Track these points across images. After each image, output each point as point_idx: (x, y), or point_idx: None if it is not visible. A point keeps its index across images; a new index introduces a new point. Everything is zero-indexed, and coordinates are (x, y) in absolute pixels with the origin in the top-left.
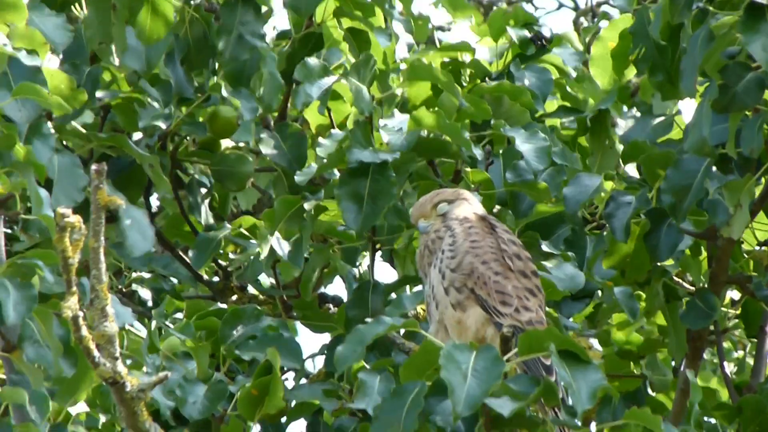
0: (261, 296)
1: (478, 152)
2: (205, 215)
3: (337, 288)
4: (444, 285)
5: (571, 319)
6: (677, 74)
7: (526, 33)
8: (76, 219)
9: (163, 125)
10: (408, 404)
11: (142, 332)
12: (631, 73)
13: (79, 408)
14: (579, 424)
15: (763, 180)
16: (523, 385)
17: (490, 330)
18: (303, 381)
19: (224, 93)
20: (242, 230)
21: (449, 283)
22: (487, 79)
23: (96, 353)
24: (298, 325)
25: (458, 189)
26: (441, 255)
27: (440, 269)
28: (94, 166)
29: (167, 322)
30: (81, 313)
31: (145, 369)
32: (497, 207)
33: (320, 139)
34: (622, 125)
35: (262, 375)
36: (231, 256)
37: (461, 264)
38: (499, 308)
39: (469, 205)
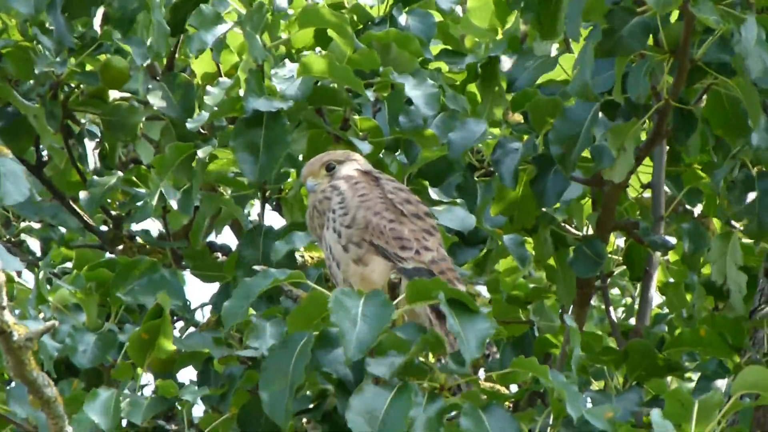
0: (150, 246)
1: (370, 94)
2: (94, 165)
3: (226, 237)
4: (342, 243)
5: (462, 267)
6: (555, 15)
7: None
8: None
9: (58, 71)
10: (296, 355)
11: (31, 283)
12: (512, 19)
13: None
14: (467, 371)
15: (648, 125)
16: (410, 333)
17: (394, 275)
18: (192, 330)
19: (115, 39)
20: (133, 178)
21: (347, 240)
22: (370, 24)
23: None
24: (188, 275)
25: (348, 150)
26: (332, 215)
27: (334, 228)
28: None
29: (55, 272)
30: None
31: (30, 318)
32: (382, 153)
33: (208, 87)
34: (505, 65)
35: (152, 319)
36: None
37: (355, 219)
38: (400, 253)
39: (358, 165)
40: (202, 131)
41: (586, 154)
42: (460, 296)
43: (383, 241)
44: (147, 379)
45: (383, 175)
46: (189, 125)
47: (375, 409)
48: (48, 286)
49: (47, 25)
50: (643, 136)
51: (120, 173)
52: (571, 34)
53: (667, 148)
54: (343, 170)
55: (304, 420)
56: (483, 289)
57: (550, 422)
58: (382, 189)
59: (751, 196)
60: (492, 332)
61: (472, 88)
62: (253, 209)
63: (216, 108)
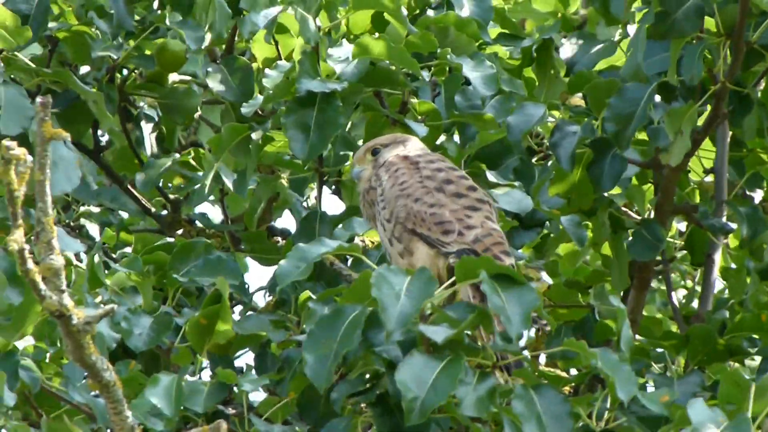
0: (209, 230)
1: (426, 75)
2: (151, 148)
3: (285, 221)
4: (386, 237)
5: (520, 251)
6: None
7: None
8: (21, 151)
9: (114, 56)
10: (346, 325)
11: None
12: (575, 4)
13: (27, 341)
14: (518, 348)
15: (707, 108)
16: (460, 311)
17: (442, 261)
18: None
19: (168, 23)
20: (190, 160)
21: (390, 234)
22: (427, 9)
23: (42, 286)
24: (248, 260)
25: (397, 134)
26: (378, 208)
27: (381, 222)
28: (39, 99)
29: (114, 256)
30: (27, 246)
31: (85, 303)
32: (442, 137)
33: (267, 71)
34: (567, 51)
35: (211, 304)
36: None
37: (395, 209)
38: (442, 239)
39: (404, 148)
40: (261, 113)
41: (644, 136)
42: (504, 270)
43: (425, 228)
44: (204, 362)
45: (428, 156)
46: (244, 109)
47: (424, 376)
48: (105, 270)
49: (105, 9)
50: (702, 121)
51: (177, 155)
52: (615, 12)
53: (730, 133)
54: (386, 155)
55: (363, 405)
56: (543, 274)
57: (608, 406)
58: (421, 173)
59: None
60: (537, 303)
61: (529, 72)
62: (312, 193)
63: (272, 91)
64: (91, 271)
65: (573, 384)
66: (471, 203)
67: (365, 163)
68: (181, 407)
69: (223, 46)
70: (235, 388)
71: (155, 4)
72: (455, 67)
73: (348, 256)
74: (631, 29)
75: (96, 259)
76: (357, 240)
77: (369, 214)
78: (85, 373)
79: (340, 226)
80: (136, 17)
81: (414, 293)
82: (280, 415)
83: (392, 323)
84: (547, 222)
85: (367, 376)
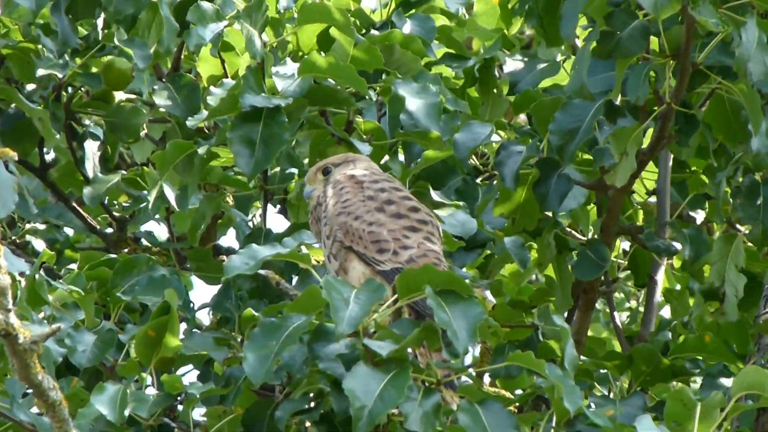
0: (154, 248)
1: (373, 94)
2: (93, 168)
3: (231, 240)
4: (326, 254)
5: (464, 270)
6: (557, 21)
7: None
8: None
9: (59, 74)
10: (290, 329)
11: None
12: (517, 23)
13: None
14: (462, 366)
15: (651, 129)
16: (404, 328)
17: (378, 280)
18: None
19: (117, 41)
20: (137, 179)
21: (329, 251)
22: (371, 29)
23: None
24: (193, 278)
25: (348, 154)
26: (322, 224)
27: (323, 239)
28: None
29: (60, 274)
30: None
31: (31, 320)
32: (386, 157)
33: (212, 88)
34: (510, 70)
35: (159, 316)
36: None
37: (334, 227)
38: (376, 257)
39: (354, 167)
40: (207, 131)
41: (589, 157)
42: (449, 280)
43: (362, 246)
44: (148, 379)
45: (375, 176)
46: (189, 123)
47: (371, 386)
48: (48, 285)
49: (51, 26)
50: (647, 141)
51: (123, 172)
52: (565, 35)
53: (672, 155)
54: (336, 175)
55: (308, 424)
56: (488, 294)
57: (553, 425)
58: (364, 192)
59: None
60: (483, 317)
61: (473, 92)
62: (258, 211)
63: (216, 105)
64: (31, 289)
65: (517, 404)
66: (411, 224)
67: (316, 183)
68: (126, 413)
69: (169, 65)
70: (180, 405)
71: (100, 22)
72: (399, 99)
73: (293, 276)
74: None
75: (37, 277)
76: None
77: (316, 231)
78: (28, 389)
79: (291, 236)
80: (83, 33)
81: (363, 300)
82: (226, 430)
83: (343, 325)
84: (491, 242)
85: (311, 395)
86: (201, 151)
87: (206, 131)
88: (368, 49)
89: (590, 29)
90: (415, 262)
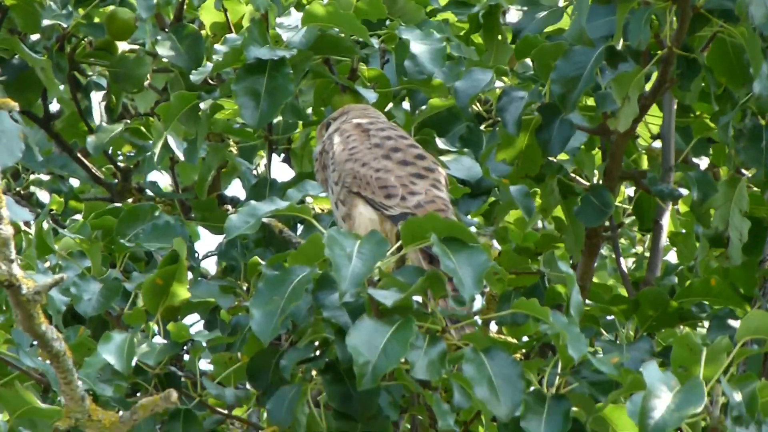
0: (159, 198)
1: (375, 42)
2: (101, 117)
3: (235, 189)
4: (334, 200)
5: (469, 216)
6: None
7: None
8: None
9: (64, 24)
10: (294, 283)
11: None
12: None
13: None
14: (467, 312)
15: (654, 74)
16: (409, 275)
17: (388, 225)
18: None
19: None
20: (141, 128)
21: (336, 198)
22: None
23: None
24: (198, 228)
25: (346, 106)
26: (329, 171)
27: (330, 186)
28: None
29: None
30: None
31: (35, 271)
32: (390, 104)
33: (216, 46)
34: (513, 17)
35: (167, 265)
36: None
37: (342, 174)
38: (385, 202)
39: (355, 118)
40: (211, 82)
41: (592, 103)
42: (454, 229)
43: (369, 191)
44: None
45: (378, 123)
46: (193, 77)
47: (375, 340)
48: (54, 235)
49: None
50: (649, 86)
51: (127, 121)
52: None
53: (676, 100)
54: (338, 125)
55: (314, 372)
56: (493, 242)
57: (559, 371)
58: (370, 140)
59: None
60: (489, 264)
61: (477, 39)
62: (262, 161)
63: (221, 59)
64: (39, 237)
65: (523, 351)
66: (417, 171)
67: (322, 141)
68: (133, 363)
69: (172, 14)
70: (187, 354)
71: None
72: (404, 42)
73: (298, 224)
74: None
75: (44, 225)
76: (309, 203)
77: (321, 178)
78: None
79: (294, 187)
80: None
81: (365, 254)
82: (233, 378)
83: (345, 283)
84: (496, 189)
85: (317, 343)
86: (204, 105)
87: (210, 81)
88: (371, 2)
89: None
90: (423, 207)
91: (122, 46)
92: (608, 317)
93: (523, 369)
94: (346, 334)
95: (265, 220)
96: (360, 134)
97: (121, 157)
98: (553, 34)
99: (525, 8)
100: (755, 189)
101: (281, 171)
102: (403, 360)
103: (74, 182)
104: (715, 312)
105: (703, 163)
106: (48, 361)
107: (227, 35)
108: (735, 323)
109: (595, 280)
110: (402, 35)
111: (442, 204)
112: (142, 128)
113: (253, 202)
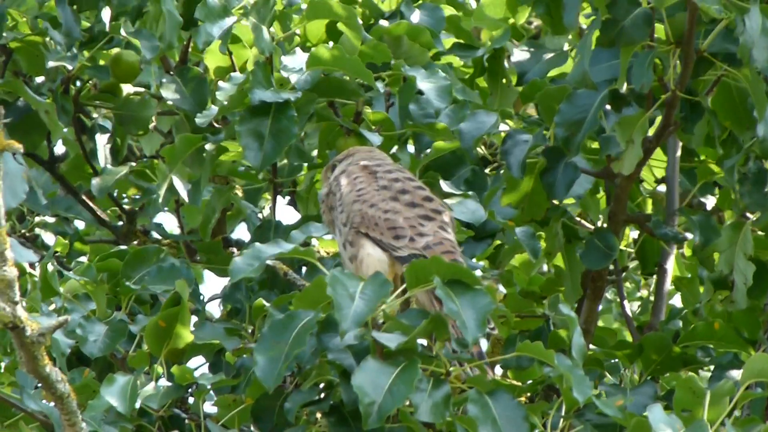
0: (164, 241)
1: (380, 85)
2: (105, 159)
3: (240, 232)
4: (341, 242)
5: (474, 260)
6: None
7: None
8: None
9: (69, 66)
10: (298, 328)
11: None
12: (525, 12)
13: None
14: (472, 355)
15: (658, 117)
16: (413, 318)
17: (398, 266)
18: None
19: (123, 33)
20: (146, 170)
21: (344, 239)
22: (380, 19)
23: None
24: (203, 270)
25: (351, 148)
26: (336, 212)
27: (338, 227)
28: None
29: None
30: None
31: (40, 313)
32: (395, 147)
33: (220, 83)
34: (518, 60)
35: (170, 307)
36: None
37: (350, 215)
38: (393, 243)
39: (361, 160)
40: (215, 124)
41: (596, 146)
42: (458, 273)
43: (378, 232)
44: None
45: (385, 166)
46: (198, 120)
47: (380, 381)
48: (59, 277)
49: (58, 19)
50: (653, 129)
51: (132, 164)
52: (568, 23)
53: (680, 143)
54: (344, 167)
55: (318, 415)
56: (498, 285)
57: (563, 414)
58: (378, 182)
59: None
60: (492, 307)
61: (482, 82)
62: (267, 203)
63: (226, 102)
64: (44, 280)
65: (527, 394)
66: (425, 212)
67: (328, 183)
68: (137, 406)
69: (177, 57)
70: (190, 396)
71: (107, 15)
72: (409, 78)
73: (302, 267)
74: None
75: (49, 267)
76: (314, 244)
77: (328, 219)
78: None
79: (298, 229)
80: (85, 25)
81: (368, 295)
82: (237, 421)
83: (347, 322)
84: (500, 232)
85: (321, 386)
86: (209, 147)
87: (215, 124)
88: (376, 46)
89: (593, 17)
90: (432, 249)
91: (127, 88)
92: (612, 360)
93: (528, 412)
94: (351, 376)
95: (269, 262)
96: (367, 176)
97: (126, 200)
98: (558, 77)
99: (531, 49)
100: (760, 233)
101: (286, 213)
102: (407, 402)
103: (79, 224)
104: (719, 356)
105: (710, 203)
106: (52, 403)
107: (232, 74)
108: (737, 372)
109: (599, 323)
110: (407, 73)
111: (450, 246)
112: (147, 171)
113: (257, 244)
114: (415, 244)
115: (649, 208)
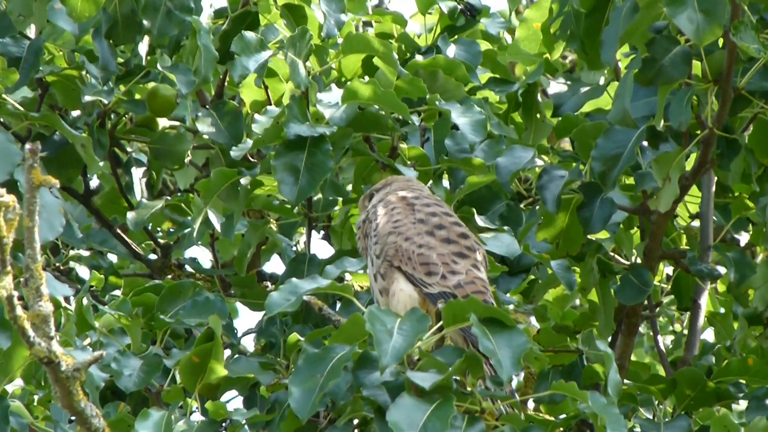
0: (199, 275)
1: (415, 119)
2: (141, 193)
3: (275, 266)
4: (373, 273)
5: (508, 294)
6: (598, 44)
7: (456, 4)
8: (10, 198)
9: (105, 100)
10: (334, 361)
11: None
12: (560, 48)
13: (15, 384)
14: (506, 393)
15: (694, 154)
16: (448, 356)
17: (430, 305)
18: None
19: (159, 67)
20: (181, 204)
21: (376, 270)
22: (416, 54)
23: (31, 333)
24: (237, 304)
25: (389, 177)
26: (371, 242)
27: (371, 257)
28: (27, 145)
29: (104, 299)
30: (16, 293)
31: (74, 347)
32: (430, 183)
33: (256, 116)
34: (554, 89)
35: (203, 343)
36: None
37: (384, 247)
38: (425, 279)
39: (399, 190)
40: (250, 158)
41: (632, 181)
42: (494, 313)
43: (410, 267)
44: (194, 406)
45: (422, 199)
46: (233, 153)
47: (415, 417)
48: (94, 312)
49: (95, 53)
50: (689, 166)
51: (167, 197)
52: (606, 60)
53: (716, 178)
54: (381, 196)
55: None
56: (532, 319)
57: None
58: (415, 215)
59: None
60: (528, 346)
61: (517, 117)
62: (302, 237)
63: (261, 135)
64: (79, 314)
65: (561, 428)
66: (460, 249)
67: (365, 211)
68: None
69: (213, 91)
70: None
71: (144, 48)
72: (444, 113)
73: (337, 301)
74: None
75: (84, 302)
76: (348, 280)
77: (363, 246)
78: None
79: (333, 263)
80: (121, 59)
81: (406, 330)
82: None
83: (387, 358)
84: (534, 267)
85: (356, 422)
86: (244, 181)
87: (250, 158)
88: (411, 81)
89: (633, 56)
90: (463, 288)
91: (163, 122)
92: (645, 396)
93: None
94: (385, 412)
95: (304, 297)
96: (405, 207)
97: (160, 233)
98: (592, 112)
99: (567, 83)
100: None
101: (321, 248)
102: None
103: (113, 258)
104: (753, 391)
105: (744, 239)
106: None
107: (268, 107)
108: None
109: (633, 358)
110: (443, 108)
111: (482, 286)
112: (182, 204)
113: (294, 279)
114: (446, 281)
115: (683, 243)
